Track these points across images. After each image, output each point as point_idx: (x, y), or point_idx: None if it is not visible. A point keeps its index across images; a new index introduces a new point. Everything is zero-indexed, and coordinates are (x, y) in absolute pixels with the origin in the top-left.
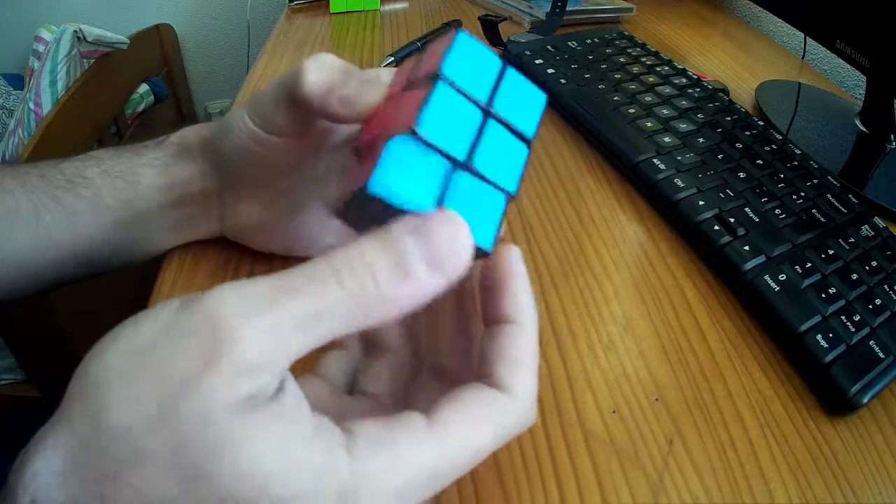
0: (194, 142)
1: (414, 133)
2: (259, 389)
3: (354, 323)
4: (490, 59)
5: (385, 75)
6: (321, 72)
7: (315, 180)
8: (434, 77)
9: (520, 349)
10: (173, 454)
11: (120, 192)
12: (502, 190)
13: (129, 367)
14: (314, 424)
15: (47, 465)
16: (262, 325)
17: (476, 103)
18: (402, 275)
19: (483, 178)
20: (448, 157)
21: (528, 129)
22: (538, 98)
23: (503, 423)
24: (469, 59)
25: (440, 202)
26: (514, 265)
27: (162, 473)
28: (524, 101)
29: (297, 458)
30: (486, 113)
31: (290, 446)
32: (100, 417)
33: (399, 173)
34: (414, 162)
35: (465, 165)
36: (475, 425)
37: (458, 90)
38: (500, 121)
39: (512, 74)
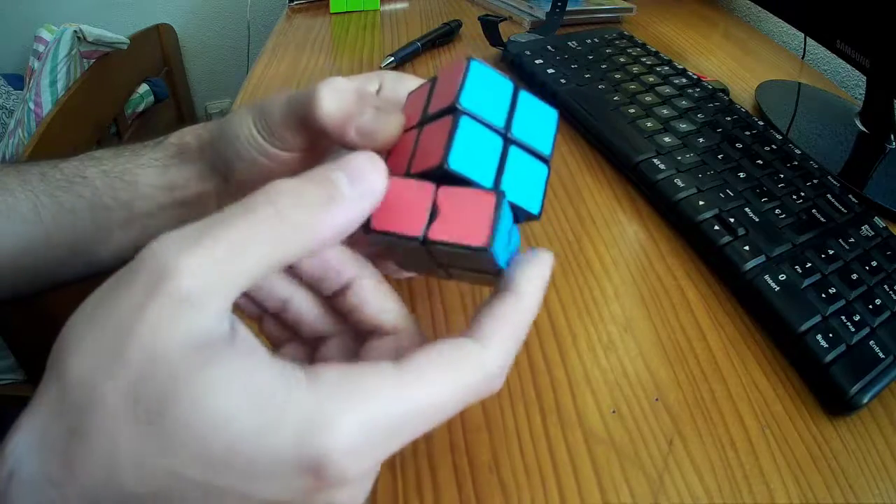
0: (193, 143)
1: (446, 168)
2: (209, 326)
3: (290, 247)
4: (503, 84)
5: (399, 89)
6: (338, 102)
7: None
8: (454, 111)
9: (507, 308)
10: (132, 396)
11: (118, 192)
12: (527, 212)
13: (85, 323)
14: (273, 362)
15: (24, 436)
16: (197, 254)
17: (496, 131)
18: (331, 197)
19: (513, 206)
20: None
21: (545, 147)
22: (551, 115)
23: (470, 374)
24: (483, 87)
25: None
26: (540, 258)
27: (122, 419)
28: (538, 120)
29: (255, 393)
30: (506, 139)
31: (247, 381)
32: (62, 374)
33: (471, 152)
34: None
35: (496, 193)
36: (442, 372)
37: (479, 120)
38: (520, 145)
39: (524, 96)
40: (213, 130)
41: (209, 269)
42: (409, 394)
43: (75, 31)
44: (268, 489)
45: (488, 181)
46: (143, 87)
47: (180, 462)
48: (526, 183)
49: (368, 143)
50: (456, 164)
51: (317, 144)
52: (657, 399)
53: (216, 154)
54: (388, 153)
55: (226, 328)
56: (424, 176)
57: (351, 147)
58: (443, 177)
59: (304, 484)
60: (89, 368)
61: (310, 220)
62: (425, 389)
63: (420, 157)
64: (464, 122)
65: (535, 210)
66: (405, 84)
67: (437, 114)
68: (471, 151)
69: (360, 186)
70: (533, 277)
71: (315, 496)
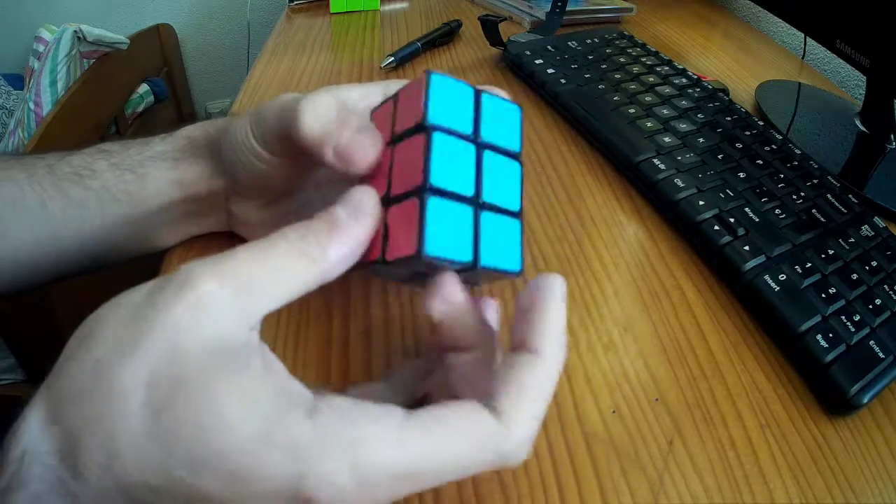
0: (202, 139)
1: (429, 189)
2: (232, 332)
3: (303, 270)
4: (464, 91)
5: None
6: (317, 121)
7: (317, 183)
8: (424, 128)
9: (529, 377)
10: (149, 382)
11: (128, 185)
12: (511, 213)
13: (113, 313)
14: (286, 384)
15: (35, 417)
16: (219, 267)
17: (467, 139)
18: (332, 225)
19: (496, 209)
20: (464, 198)
21: (514, 144)
22: (514, 112)
23: (483, 446)
24: (447, 97)
25: (476, 251)
26: (550, 294)
27: (135, 403)
28: (503, 119)
29: (260, 410)
30: (478, 145)
31: (258, 397)
32: (83, 357)
33: (446, 235)
34: (451, 220)
35: (476, 202)
36: (451, 438)
37: (449, 132)
38: (491, 147)
39: (486, 98)
40: (220, 130)
41: (231, 279)
42: (408, 450)
43: (75, 32)
44: None
45: (469, 190)
46: (143, 87)
47: (173, 460)
48: (504, 184)
49: (346, 165)
50: (437, 180)
51: (305, 153)
52: (657, 399)
53: (221, 154)
54: (369, 175)
55: (254, 342)
56: (408, 195)
57: (330, 167)
58: (425, 192)
59: None
60: (110, 351)
61: (316, 247)
62: (427, 450)
63: (398, 178)
64: (436, 137)
65: (515, 207)
66: None
67: (407, 132)
68: (449, 165)
69: (355, 214)
70: (549, 335)
71: None
